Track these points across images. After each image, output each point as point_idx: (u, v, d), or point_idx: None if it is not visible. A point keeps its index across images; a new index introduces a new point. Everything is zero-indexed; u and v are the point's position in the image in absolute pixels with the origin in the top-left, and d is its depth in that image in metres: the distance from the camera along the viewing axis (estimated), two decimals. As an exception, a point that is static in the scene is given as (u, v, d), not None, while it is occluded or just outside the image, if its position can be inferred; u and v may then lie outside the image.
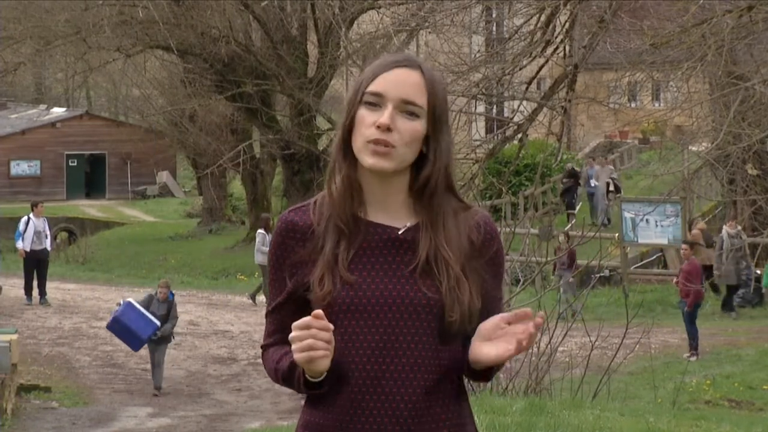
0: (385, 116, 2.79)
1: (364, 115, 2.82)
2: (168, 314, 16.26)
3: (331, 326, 2.72)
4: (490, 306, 2.92)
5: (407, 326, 2.82)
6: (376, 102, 2.82)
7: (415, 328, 2.82)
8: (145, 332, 15.72)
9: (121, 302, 16.21)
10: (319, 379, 2.79)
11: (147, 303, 16.19)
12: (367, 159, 2.81)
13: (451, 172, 2.89)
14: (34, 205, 24.48)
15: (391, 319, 2.81)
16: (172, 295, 16.70)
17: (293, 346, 2.72)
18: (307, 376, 2.79)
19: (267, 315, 2.98)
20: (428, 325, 2.82)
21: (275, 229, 2.95)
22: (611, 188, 32.85)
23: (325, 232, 2.87)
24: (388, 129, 2.79)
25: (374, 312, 2.81)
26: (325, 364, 2.74)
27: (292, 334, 2.71)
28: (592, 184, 33.64)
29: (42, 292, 24.14)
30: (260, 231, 24.54)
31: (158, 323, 15.91)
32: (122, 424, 14.64)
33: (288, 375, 2.85)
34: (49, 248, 24.41)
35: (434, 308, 2.82)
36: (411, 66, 2.85)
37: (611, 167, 34.46)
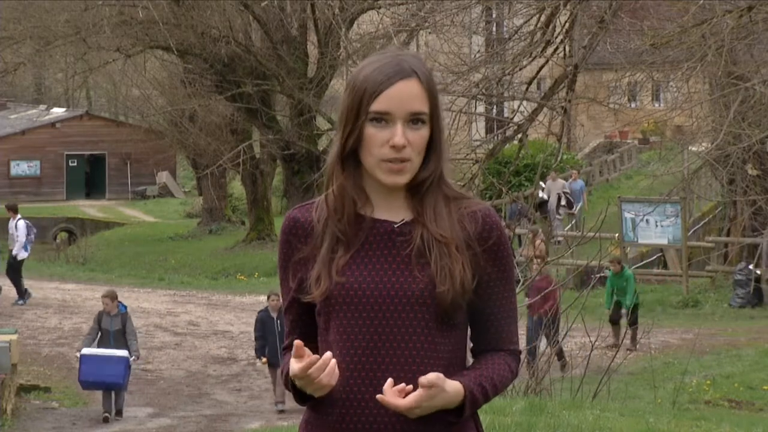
0: (398, 136, 2.84)
1: (374, 134, 2.86)
2: (123, 329, 14.85)
3: (331, 359, 2.77)
4: (500, 309, 2.95)
5: (401, 318, 2.85)
6: (383, 118, 2.85)
7: (409, 320, 2.85)
8: (118, 377, 14.55)
9: (78, 355, 14.84)
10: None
11: (98, 320, 14.99)
12: (384, 177, 2.86)
13: (445, 163, 2.94)
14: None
15: (386, 312, 2.85)
16: (124, 307, 15.13)
17: (297, 383, 2.83)
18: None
19: (284, 315, 3.06)
20: (422, 316, 2.85)
21: (281, 228, 3.01)
22: (563, 203, 32.53)
23: (323, 231, 2.92)
24: (402, 146, 2.84)
25: (369, 305, 2.85)
26: (327, 390, 2.82)
27: (294, 374, 2.80)
28: (545, 198, 32.94)
29: (18, 294, 23.58)
30: None
31: (126, 355, 14.60)
32: (122, 425, 14.65)
33: (292, 386, 2.93)
34: (16, 253, 23.03)
35: (428, 298, 2.84)
36: (408, 76, 2.87)
37: (563, 182, 33.70)
